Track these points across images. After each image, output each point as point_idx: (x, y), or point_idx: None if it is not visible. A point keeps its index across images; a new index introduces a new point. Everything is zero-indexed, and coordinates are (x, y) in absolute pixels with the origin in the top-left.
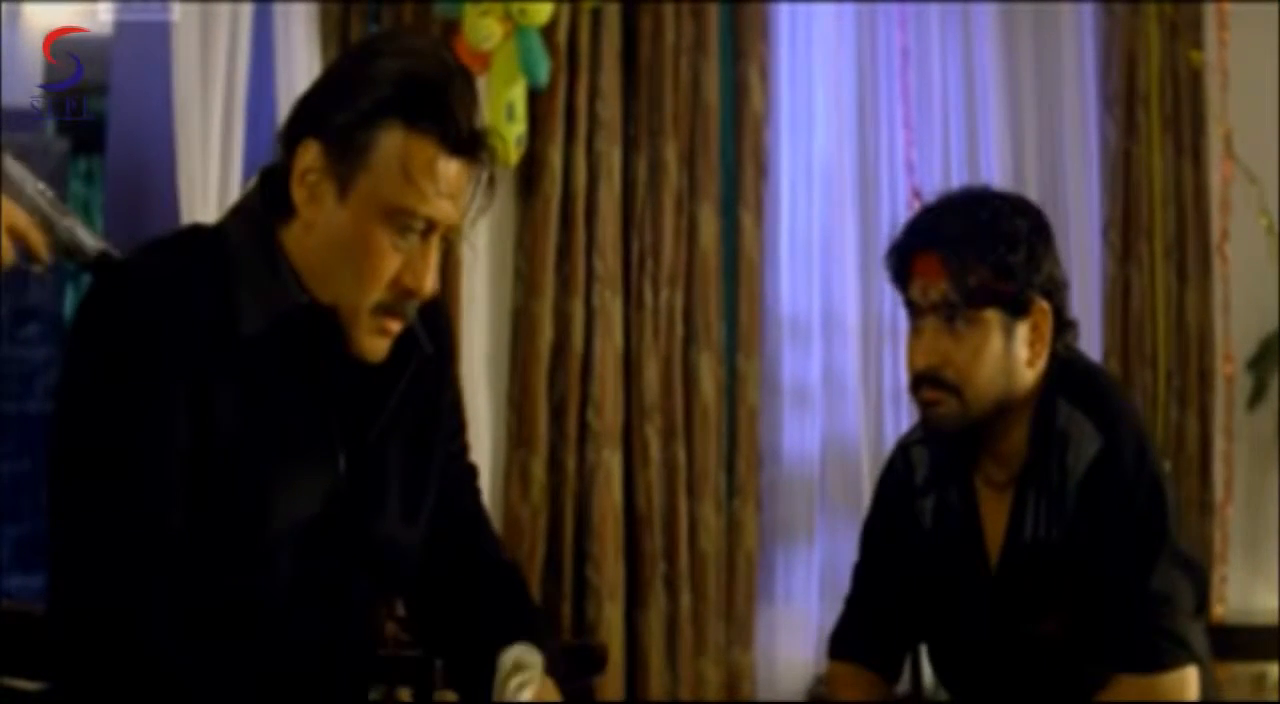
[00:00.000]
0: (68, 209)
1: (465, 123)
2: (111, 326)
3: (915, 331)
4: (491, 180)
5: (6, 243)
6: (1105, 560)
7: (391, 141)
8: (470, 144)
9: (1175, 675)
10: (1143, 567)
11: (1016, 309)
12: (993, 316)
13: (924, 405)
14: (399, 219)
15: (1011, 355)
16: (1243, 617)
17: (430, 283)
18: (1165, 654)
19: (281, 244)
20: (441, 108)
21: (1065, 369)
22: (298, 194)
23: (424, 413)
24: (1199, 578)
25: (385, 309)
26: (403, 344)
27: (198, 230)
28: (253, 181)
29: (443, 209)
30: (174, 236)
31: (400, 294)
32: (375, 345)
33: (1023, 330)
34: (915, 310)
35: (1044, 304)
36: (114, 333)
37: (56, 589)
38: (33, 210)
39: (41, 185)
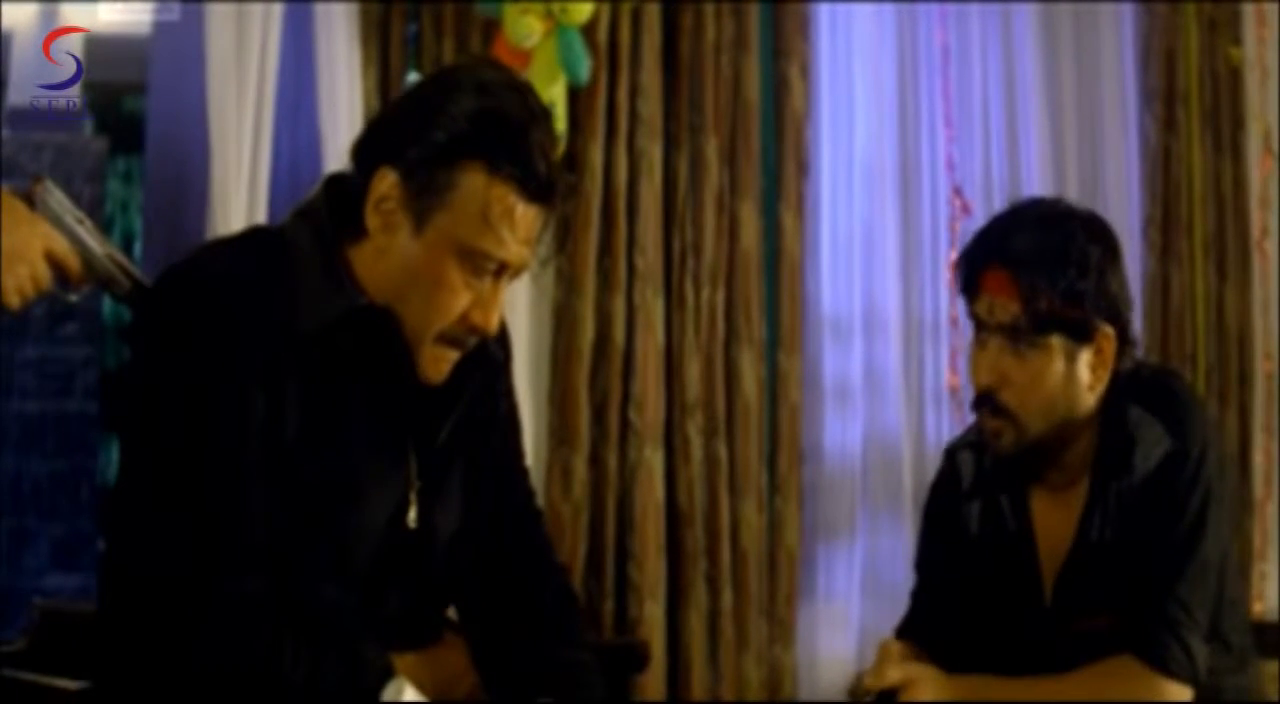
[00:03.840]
0: (106, 239)
1: (544, 169)
2: (183, 326)
3: (979, 346)
4: (567, 225)
5: (44, 269)
6: (1148, 553)
7: (472, 184)
8: (548, 190)
9: (1174, 688)
10: (1175, 568)
11: (1081, 335)
12: (1057, 343)
13: (988, 433)
14: (473, 259)
15: (1073, 380)
16: None
17: (495, 321)
18: (1175, 663)
19: (347, 258)
20: (523, 153)
21: (1133, 378)
22: (371, 220)
23: (483, 417)
24: (1221, 606)
25: (448, 340)
26: (473, 350)
27: (260, 231)
28: (317, 187)
29: (516, 253)
30: (238, 237)
31: (465, 329)
32: (436, 370)
33: (1086, 355)
34: (980, 325)
35: (1109, 329)
36: (186, 332)
37: (130, 584)
38: (71, 238)
39: (81, 214)
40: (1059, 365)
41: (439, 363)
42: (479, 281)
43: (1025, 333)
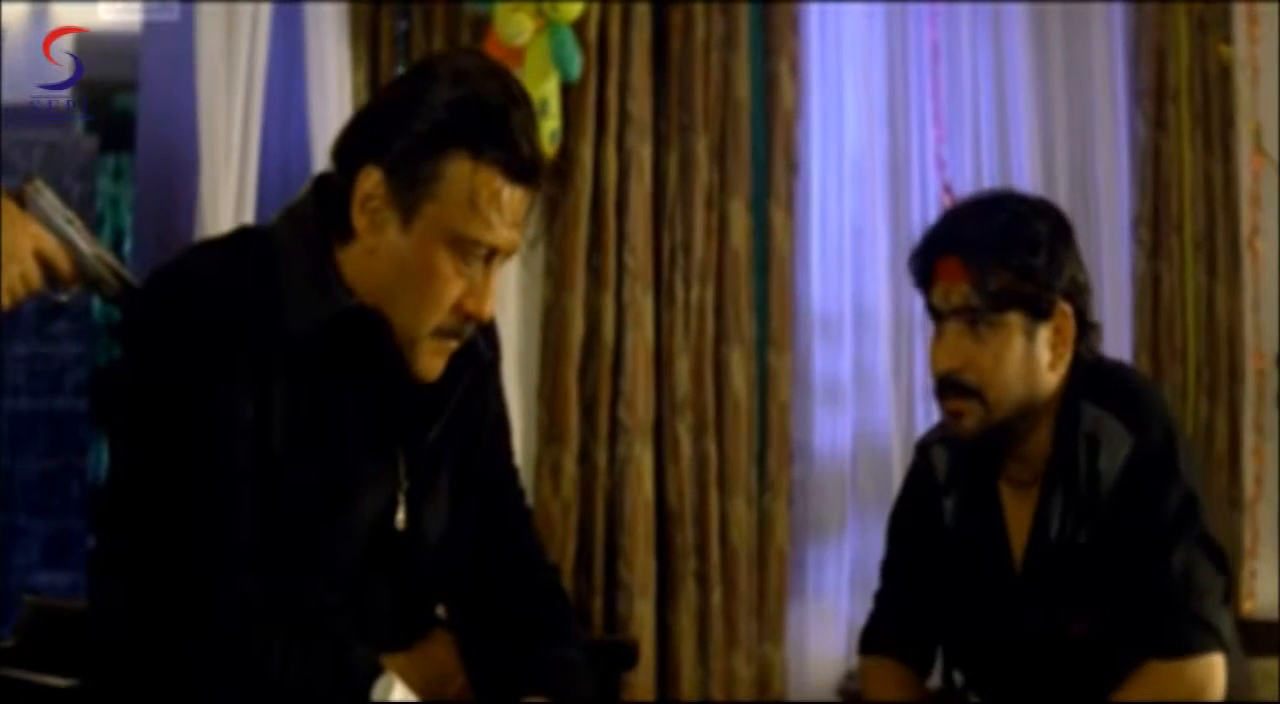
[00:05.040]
0: (96, 239)
1: (528, 150)
2: (171, 327)
3: (938, 334)
4: (554, 204)
5: (34, 268)
6: (1132, 547)
7: (458, 171)
8: (533, 171)
9: (1204, 662)
10: (1166, 550)
11: (1038, 312)
12: (1014, 320)
13: (950, 416)
14: (464, 247)
15: (1033, 358)
16: (1274, 612)
17: (490, 307)
18: (1193, 639)
19: (336, 259)
20: (506, 136)
21: (1089, 372)
22: (359, 220)
23: (474, 418)
24: (1225, 565)
25: (445, 332)
26: (460, 349)
27: (248, 232)
28: (306, 187)
29: (506, 237)
30: (226, 238)
31: (461, 318)
32: (432, 365)
33: (1045, 333)
34: (937, 314)
35: (1066, 307)
36: (174, 333)
37: (119, 584)
38: (61, 238)
39: (71, 213)
40: (1018, 343)
41: (435, 358)
42: (470, 269)
43: (982, 313)
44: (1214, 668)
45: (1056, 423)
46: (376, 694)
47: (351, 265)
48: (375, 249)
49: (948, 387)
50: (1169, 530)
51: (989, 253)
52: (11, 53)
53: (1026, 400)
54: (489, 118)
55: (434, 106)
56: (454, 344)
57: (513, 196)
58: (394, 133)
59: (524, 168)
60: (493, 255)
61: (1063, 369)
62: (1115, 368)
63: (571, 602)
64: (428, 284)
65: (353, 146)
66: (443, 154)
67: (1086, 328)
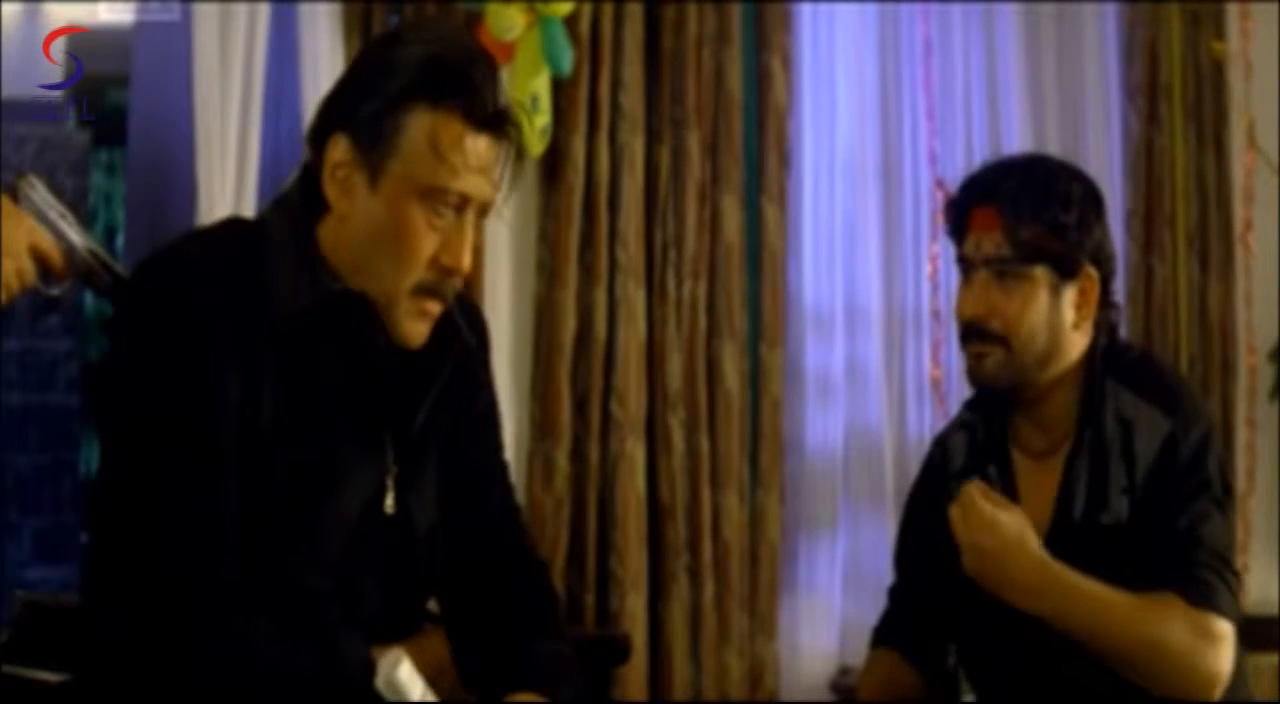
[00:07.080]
0: (88, 233)
1: (490, 98)
2: (158, 313)
3: (966, 283)
4: (519, 156)
5: (28, 263)
6: (1166, 516)
7: (419, 123)
8: (496, 119)
9: (1221, 624)
10: (1207, 528)
11: (1065, 270)
12: (1041, 274)
13: (972, 359)
14: (432, 197)
15: (1058, 314)
16: (1265, 607)
17: (467, 260)
18: (1223, 600)
19: (317, 239)
20: (465, 85)
21: (1115, 353)
22: (330, 189)
23: (461, 408)
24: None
25: (425, 290)
26: (443, 332)
27: (236, 221)
28: (293, 176)
29: (474, 184)
30: (214, 227)
31: (439, 273)
32: (415, 329)
33: (1070, 293)
34: (967, 264)
35: (1092, 271)
36: (162, 319)
37: (109, 573)
38: (55, 233)
39: (64, 208)
40: (1044, 297)
41: (418, 322)
42: (443, 220)
43: (1011, 263)
44: (1228, 635)
45: (1081, 398)
46: (384, 665)
47: (329, 239)
48: (347, 215)
49: (972, 333)
50: (1199, 501)
51: (1024, 205)
52: (6, 49)
53: (1048, 354)
54: (450, 71)
55: (396, 67)
56: (436, 307)
57: (476, 143)
58: (359, 98)
59: (485, 113)
60: (465, 205)
61: (1086, 332)
62: (1147, 359)
63: (562, 597)
64: (401, 240)
65: (323, 122)
66: (404, 108)
67: (1109, 300)
